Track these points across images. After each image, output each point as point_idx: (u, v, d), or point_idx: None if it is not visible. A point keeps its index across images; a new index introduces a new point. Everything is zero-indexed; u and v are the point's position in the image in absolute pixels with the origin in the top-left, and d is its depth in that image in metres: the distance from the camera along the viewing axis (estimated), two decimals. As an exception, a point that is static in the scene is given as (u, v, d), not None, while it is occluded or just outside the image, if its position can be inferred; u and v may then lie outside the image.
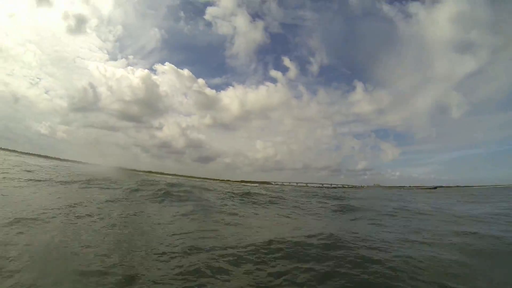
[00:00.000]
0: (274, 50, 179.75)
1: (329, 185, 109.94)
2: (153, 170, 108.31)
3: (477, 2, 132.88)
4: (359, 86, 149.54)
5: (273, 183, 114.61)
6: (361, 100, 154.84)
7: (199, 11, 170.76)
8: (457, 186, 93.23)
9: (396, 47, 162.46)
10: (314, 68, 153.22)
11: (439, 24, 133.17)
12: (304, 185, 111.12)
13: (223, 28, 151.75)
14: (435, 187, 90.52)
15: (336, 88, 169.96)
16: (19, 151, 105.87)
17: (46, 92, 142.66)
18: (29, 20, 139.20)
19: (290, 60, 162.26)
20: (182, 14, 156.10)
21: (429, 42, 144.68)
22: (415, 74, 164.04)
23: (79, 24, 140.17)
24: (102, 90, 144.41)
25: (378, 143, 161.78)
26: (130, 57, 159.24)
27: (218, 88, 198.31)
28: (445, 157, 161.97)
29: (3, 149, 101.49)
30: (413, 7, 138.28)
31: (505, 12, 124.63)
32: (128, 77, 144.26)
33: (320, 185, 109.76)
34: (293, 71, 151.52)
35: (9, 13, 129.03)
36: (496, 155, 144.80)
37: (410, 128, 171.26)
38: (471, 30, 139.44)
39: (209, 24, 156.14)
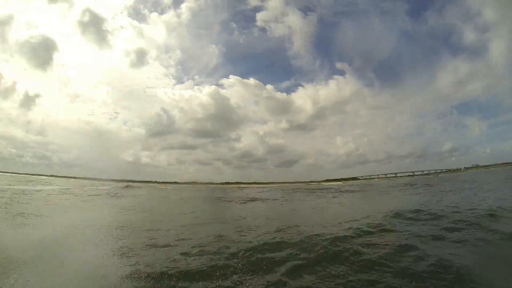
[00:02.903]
0: (334, 41, 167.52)
1: (421, 172, 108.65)
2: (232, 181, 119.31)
3: None
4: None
5: (361, 177, 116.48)
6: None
7: (250, 19, 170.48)
8: None
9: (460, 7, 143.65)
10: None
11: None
12: (394, 175, 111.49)
13: (277, 30, 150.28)
14: None
15: None
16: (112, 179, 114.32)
17: (124, 124, 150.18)
18: (96, 64, 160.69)
19: (354, 48, 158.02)
20: (234, 25, 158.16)
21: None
22: (489, 32, 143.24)
23: (140, 57, 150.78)
24: (174, 112, 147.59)
25: (462, 119, 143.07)
26: (196, 77, 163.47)
27: (288, 90, 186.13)
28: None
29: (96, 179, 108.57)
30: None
31: None
32: (197, 96, 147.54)
33: (411, 174, 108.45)
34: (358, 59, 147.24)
35: (77, 63, 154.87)
36: None
37: (496, 96, 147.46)
38: None
39: (263, 30, 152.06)
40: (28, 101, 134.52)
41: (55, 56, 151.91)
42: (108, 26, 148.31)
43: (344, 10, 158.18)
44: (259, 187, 77.27)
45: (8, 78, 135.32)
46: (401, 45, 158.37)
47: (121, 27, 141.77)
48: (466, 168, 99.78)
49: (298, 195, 38.99)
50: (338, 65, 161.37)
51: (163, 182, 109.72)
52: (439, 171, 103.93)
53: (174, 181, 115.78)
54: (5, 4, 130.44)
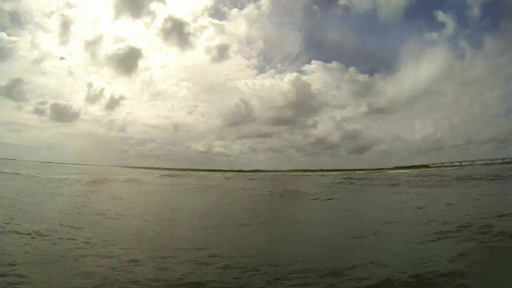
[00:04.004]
0: (424, 9, 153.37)
1: (501, 161, 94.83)
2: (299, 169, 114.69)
3: None
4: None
5: (432, 165, 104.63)
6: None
7: None
8: None
9: None
10: (475, 11, 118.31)
11: None
12: (469, 164, 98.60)
13: (361, 6, 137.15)
14: None
15: (506, 29, 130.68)
16: (177, 168, 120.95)
17: (202, 116, 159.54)
18: (178, 64, 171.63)
19: (444, 12, 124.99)
20: (316, 8, 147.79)
21: None
22: None
23: (221, 53, 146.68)
24: (253, 102, 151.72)
25: None
26: (278, 65, 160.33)
27: (371, 71, 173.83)
28: None
29: (167, 169, 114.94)
30: None
31: None
32: (278, 84, 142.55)
33: (490, 162, 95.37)
34: (450, 25, 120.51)
35: (161, 64, 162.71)
36: None
37: None
38: None
39: (346, 8, 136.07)
40: (112, 103, 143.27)
41: (140, 62, 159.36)
42: (189, 28, 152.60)
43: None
44: (317, 175, 75.36)
45: (97, 86, 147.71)
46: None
47: (203, 27, 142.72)
48: None
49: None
50: (427, 36, 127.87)
51: (227, 171, 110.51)
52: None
53: (239, 169, 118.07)
54: (96, 26, 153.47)
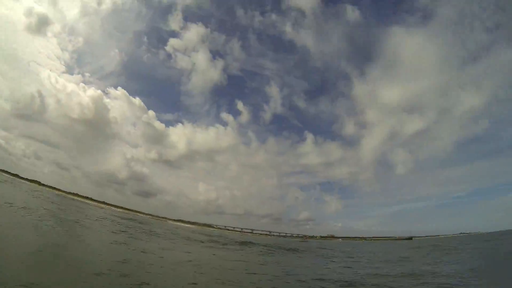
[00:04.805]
0: (230, 93, 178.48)
1: (278, 234, 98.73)
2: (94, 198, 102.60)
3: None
4: (310, 137, 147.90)
5: (215, 226, 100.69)
6: (310, 152, 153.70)
7: (162, 41, 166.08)
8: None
9: (348, 103, 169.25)
10: (267, 115, 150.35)
11: (390, 85, 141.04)
12: (250, 231, 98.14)
13: (182, 63, 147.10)
14: (411, 238, 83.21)
15: (287, 138, 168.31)
16: None
17: None
18: None
19: (244, 104, 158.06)
20: (145, 40, 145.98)
21: (380, 100, 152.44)
22: (365, 130, 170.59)
23: (41, 25, 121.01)
24: (50, 101, 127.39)
25: (323, 195, 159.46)
26: (87, 74, 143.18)
27: (168, 123, 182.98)
28: (387, 211, 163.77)
29: None
30: (369, 67, 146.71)
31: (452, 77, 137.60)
32: (80, 94, 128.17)
33: (268, 233, 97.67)
34: (245, 116, 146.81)
35: None
36: (436, 208, 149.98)
37: (356, 182, 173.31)
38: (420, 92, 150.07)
39: (169, 56, 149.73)
40: None
41: None
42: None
43: (250, 69, 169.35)
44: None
45: None
46: (288, 114, 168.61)
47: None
48: (322, 237, 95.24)
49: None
50: (224, 115, 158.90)
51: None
52: (296, 235, 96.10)
53: (15, 173, 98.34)
54: None
